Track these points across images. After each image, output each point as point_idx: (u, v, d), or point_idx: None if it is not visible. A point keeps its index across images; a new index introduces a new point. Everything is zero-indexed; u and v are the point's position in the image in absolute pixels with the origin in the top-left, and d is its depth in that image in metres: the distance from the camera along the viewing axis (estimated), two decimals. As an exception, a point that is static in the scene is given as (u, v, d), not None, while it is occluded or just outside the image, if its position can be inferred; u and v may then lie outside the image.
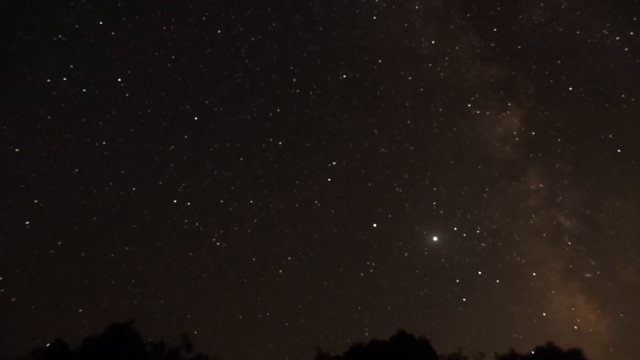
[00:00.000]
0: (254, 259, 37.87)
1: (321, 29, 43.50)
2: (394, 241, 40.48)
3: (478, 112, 43.63)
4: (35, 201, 32.77)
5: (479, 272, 38.93)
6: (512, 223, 40.95)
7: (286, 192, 40.59)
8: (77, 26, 35.99)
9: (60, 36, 35.26)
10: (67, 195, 34.18)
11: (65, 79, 35.25)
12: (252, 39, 41.74)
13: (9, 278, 30.14)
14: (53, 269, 32.26)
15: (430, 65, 43.75)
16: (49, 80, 34.73)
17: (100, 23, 36.82)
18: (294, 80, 42.61)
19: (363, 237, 40.60)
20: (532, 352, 27.76)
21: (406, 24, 43.82)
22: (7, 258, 31.00)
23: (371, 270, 38.85)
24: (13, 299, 29.52)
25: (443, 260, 39.28)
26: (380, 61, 43.89)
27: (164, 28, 39.01)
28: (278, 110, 42.00)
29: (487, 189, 42.14)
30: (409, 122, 43.62)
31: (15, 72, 33.89)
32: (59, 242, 32.64)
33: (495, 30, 43.75)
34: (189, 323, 33.75)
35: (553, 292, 38.52)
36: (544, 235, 40.46)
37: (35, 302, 30.32)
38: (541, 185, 41.68)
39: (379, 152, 42.97)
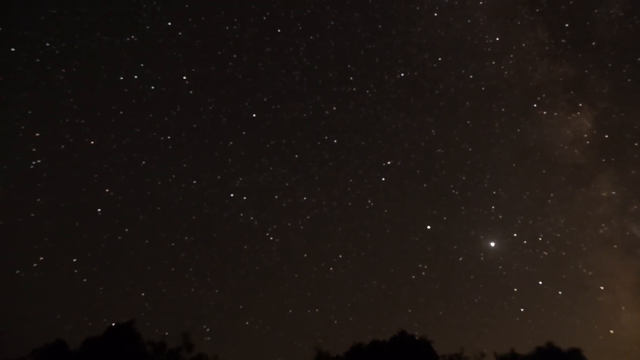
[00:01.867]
0: (305, 255, 38.50)
1: (380, 26, 43.18)
2: (448, 245, 39.53)
3: (544, 112, 41.45)
4: (107, 190, 35.33)
5: (540, 282, 37.05)
6: (578, 232, 38.67)
7: (340, 190, 40.84)
8: (147, 27, 38.32)
9: (132, 37, 37.73)
10: (134, 185, 36.60)
11: (135, 76, 37.71)
12: (311, 37, 42.31)
13: (83, 260, 32.80)
14: (120, 254, 34.68)
15: (493, 63, 42.19)
16: (121, 78, 37.34)
17: (169, 24, 38.95)
18: (351, 78, 42.65)
19: (416, 239, 39.98)
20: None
21: (469, 20, 42.50)
22: (80, 243, 33.74)
23: (423, 273, 38.17)
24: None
25: (500, 267, 37.79)
26: (440, 59, 42.89)
27: (227, 28, 40.51)
28: (334, 108, 42.26)
29: (551, 195, 39.96)
30: (468, 122, 42.32)
31: (92, 70, 36.76)
32: (126, 230, 34.98)
33: (567, 25, 41.33)
34: (242, 314, 34.99)
35: (623, 308, 35.96)
36: (615, 246, 37.82)
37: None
38: (613, 193, 38.90)
39: (436, 152, 42.05)
